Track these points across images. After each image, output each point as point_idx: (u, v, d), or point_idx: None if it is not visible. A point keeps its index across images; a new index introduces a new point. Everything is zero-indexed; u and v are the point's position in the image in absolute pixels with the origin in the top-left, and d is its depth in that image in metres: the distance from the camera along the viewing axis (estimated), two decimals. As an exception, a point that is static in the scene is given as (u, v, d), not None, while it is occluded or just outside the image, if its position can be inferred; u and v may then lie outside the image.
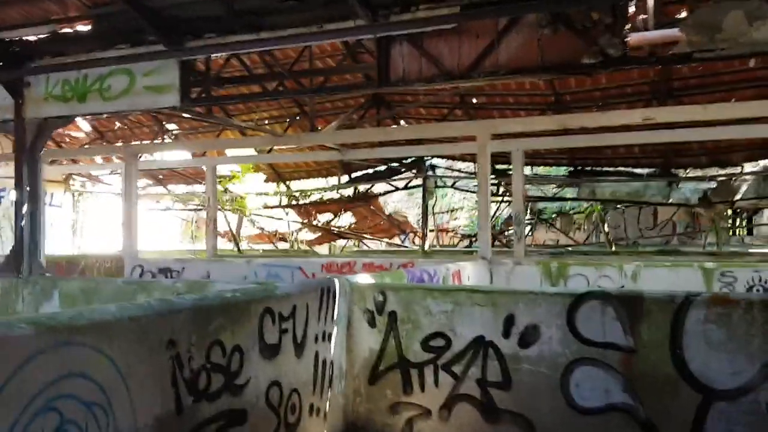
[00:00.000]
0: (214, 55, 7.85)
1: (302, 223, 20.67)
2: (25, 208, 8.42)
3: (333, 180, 18.45)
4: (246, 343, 3.56)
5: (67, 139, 17.52)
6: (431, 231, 18.90)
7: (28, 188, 8.35)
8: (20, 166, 8.31)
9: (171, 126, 16.76)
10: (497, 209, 17.68)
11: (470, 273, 9.26)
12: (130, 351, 2.81)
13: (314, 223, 20.22)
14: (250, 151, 16.49)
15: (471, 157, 16.54)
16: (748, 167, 14.38)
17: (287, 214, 20.69)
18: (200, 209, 20.87)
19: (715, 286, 7.87)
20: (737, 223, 27.09)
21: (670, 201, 16.46)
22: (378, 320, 4.70)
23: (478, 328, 4.37)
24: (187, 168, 18.63)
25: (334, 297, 4.60)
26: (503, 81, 8.00)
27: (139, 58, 7.30)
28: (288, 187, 18.99)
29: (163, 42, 7.17)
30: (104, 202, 20.94)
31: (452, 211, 23.52)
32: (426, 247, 17.02)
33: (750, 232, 27.74)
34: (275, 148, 15.29)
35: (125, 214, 11.37)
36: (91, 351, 2.64)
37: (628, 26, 5.78)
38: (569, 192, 17.37)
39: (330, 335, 4.53)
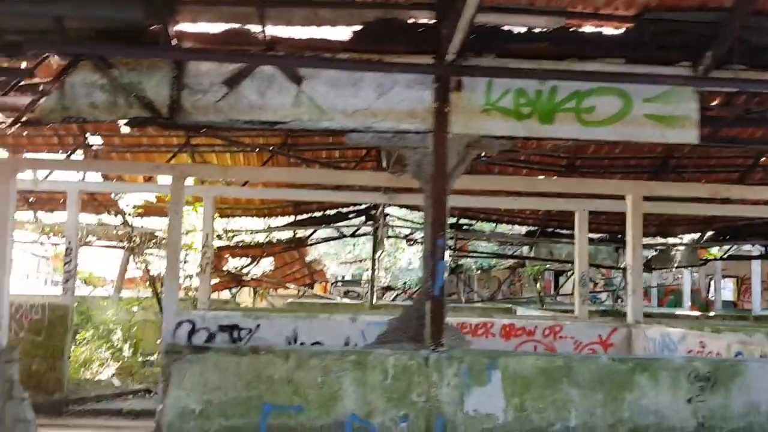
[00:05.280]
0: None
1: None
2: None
3: (274, 221, 16.48)
4: None
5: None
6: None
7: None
8: (437, 196, 5.63)
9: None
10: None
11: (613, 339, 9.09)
12: None
13: (224, 268, 17.72)
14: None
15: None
16: (686, 239, 16.44)
17: (186, 255, 17.82)
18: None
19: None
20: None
21: (619, 265, 17.96)
22: None
23: None
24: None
25: None
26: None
27: (644, 79, 5.78)
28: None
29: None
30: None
31: (361, 261, 22.61)
32: (374, 301, 16.04)
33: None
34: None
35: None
36: None
37: None
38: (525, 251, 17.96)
39: None
